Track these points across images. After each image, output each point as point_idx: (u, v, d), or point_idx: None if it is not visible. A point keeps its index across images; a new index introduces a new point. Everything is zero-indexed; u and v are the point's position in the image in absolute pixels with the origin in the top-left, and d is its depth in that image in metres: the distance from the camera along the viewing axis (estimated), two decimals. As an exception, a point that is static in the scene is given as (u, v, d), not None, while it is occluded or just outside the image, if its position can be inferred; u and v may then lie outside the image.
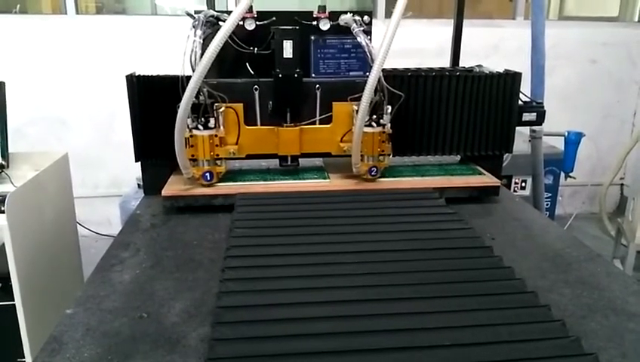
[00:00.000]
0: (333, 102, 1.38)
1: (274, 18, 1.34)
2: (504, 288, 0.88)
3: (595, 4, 4.18)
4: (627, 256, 2.69)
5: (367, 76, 1.19)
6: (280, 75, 1.31)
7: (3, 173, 1.83)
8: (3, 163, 1.85)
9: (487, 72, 1.48)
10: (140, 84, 1.36)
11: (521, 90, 1.48)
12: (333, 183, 1.39)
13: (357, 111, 1.26)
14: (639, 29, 3.73)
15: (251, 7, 1.31)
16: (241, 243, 1.05)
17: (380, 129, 1.33)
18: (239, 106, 1.35)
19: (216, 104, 1.30)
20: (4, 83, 1.85)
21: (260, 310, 0.81)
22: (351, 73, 1.42)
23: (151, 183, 1.44)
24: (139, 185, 2.41)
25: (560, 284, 0.98)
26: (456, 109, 1.46)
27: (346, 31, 1.34)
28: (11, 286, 1.63)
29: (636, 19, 3.90)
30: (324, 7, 1.34)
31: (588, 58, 3.65)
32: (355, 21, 1.31)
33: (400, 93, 1.32)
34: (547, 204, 2.89)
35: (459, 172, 1.48)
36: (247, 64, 1.36)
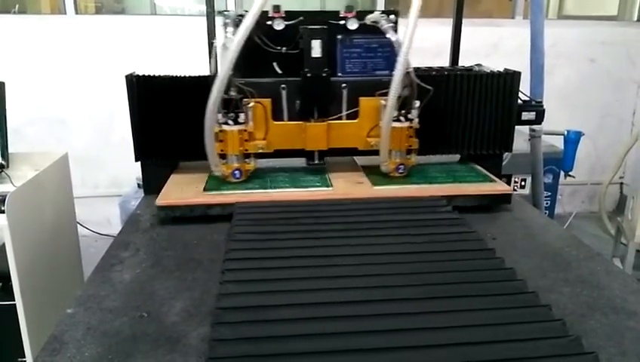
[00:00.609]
0: (360, 98, 1.38)
1: (302, 18, 1.34)
2: (506, 289, 0.88)
3: (594, 4, 4.19)
4: (627, 255, 2.69)
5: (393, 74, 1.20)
6: (308, 75, 1.32)
7: (3, 173, 1.83)
8: (3, 163, 1.85)
9: (487, 71, 1.48)
10: (139, 84, 1.36)
11: (521, 89, 1.48)
12: (337, 191, 1.34)
13: (385, 106, 1.27)
14: (638, 29, 3.73)
15: (279, 7, 1.33)
16: (241, 246, 1.05)
17: (408, 124, 1.34)
18: (267, 101, 1.35)
19: (244, 99, 1.30)
20: (3, 83, 1.85)
21: (260, 311, 0.81)
22: (377, 72, 1.41)
23: (151, 183, 1.44)
24: (139, 184, 2.41)
25: (560, 283, 0.98)
26: (456, 108, 1.46)
27: (372, 30, 1.34)
28: (12, 285, 1.64)
29: (635, 18, 3.90)
30: (352, 6, 1.35)
31: (587, 57, 3.65)
32: (383, 18, 1.31)
33: (429, 87, 1.32)
34: (547, 203, 2.89)
35: (468, 179, 1.43)
36: (274, 63, 1.36)
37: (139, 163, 1.44)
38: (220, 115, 1.27)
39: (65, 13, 3.19)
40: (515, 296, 0.86)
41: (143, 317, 0.86)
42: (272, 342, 0.73)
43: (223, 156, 1.33)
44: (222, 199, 1.28)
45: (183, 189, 1.33)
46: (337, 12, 1.37)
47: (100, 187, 3.40)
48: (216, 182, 1.36)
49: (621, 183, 3.95)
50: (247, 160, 1.36)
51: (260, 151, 1.36)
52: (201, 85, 1.38)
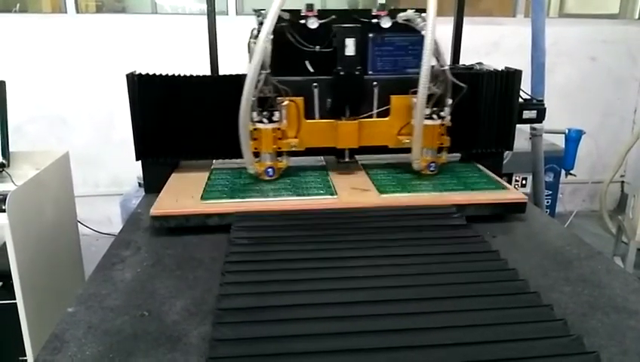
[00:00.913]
0: (392, 96, 1.39)
1: (334, 16, 1.34)
2: (507, 289, 0.88)
3: (596, 2, 4.18)
4: (628, 254, 2.69)
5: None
6: (342, 73, 1.32)
7: (4, 172, 1.83)
8: (4, 162, 1.85)
9: (488, 70, 1.48)
10: (140, 83, 1.36)
11: (522, 87, 1.48)
12: (341, 200, 1.27)
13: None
14: (639, 27, 3.72)
15: (312, 5, 1.33)
16: (241, 249, 1.05)
17: (440, 122, 1.35)
18: (300, 100, 1.36)
19: (279, 98, 1.31)
20: (4, 82, 1.85)
21: (261, 311, 0.81)
22: (407, 70, 1.42)
23: (151, 182, 1.43)
24: (139, 183, 2.41)
25: (561, 282, 0.98)
26: (457, 107, 1.45)
27: (402, 28, 1.34)
28: (12, 284, 1.64)
29: (636, 16, 3.89)
30: (384, 4, 1.36)
31: (588, 55, 3.64)
32: (417, 16, 1.31)
33: (463, 85, 1.33)
34: (547, 202, 2.89)
35: (479, 186, 1.36)
36: (306, 62, 1.37)
37: (139, 162, 1.44)
38: (254, 114, 1.28)
39: (66, 12, 3.19)
40: (516, 296, 0.86)
41: (144, 315, 0.86)
42: (273, 342, 0.73)
43: (256, 154, 1.33)
44: (220, 208, 1.21)
45: (179, 197, 1.27)
46: (369, 10, 1.37)
47: (101, 186, 3.40)
48: (215, 190, 1.32)
49: (622, 182, 3.95)
50: (279, 158, 1.37)
51: (293, 149, 1.37)
52: (202, 84, 1.38)
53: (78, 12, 3.22)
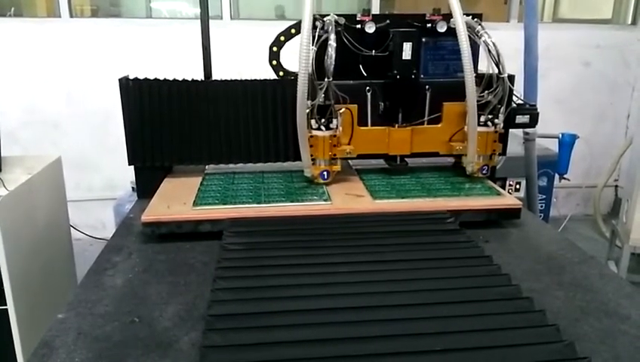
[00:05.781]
0: (444, 103, 1.40)
1: (388, 21, 1.35)
2: (500, 294, 0.88)
3: (589, 7, 4.20)
4: (621, 258, 2.70)
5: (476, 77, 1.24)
6: (398, 77, 1.33)
7: (-4, 177, 1.82)
8: (-4, 166, 1.84)
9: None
10: (133, 88, 1.35)
11: (515, 92, 1.48)
12: (336, 206, 1.26)
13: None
14: (632, 32, 3.75)
15: (369, 10, 1.35)
16: (233, 255, 1.05)
17: (493, 129, 1.36)
18: (354, 107, 1.37)
19: (336, 105, 1.31)
20: (-4, 86, 1.84)
21: (251, 318, 0.81)
22: (458, 74, 1.40)
23: (144, 186, 1.43)
24: (133, 188, 2.40)
25: (554, 287, 0.98)
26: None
27: (454, 33, 1.33)
28: (4, 290, 1.62)
29: (629, 21, 3.92)
30: (439, 9, 1.36)
31: (582, 60, 3.66)
32: (474, 21, 1.31)
33: (516, 93, 1.35)
34: (541, 206, 2.89)
35: (474, 191, 1.35)
36: (360, 66, 1.37)
37: (133, 166, 1.44)
38: (312, 121, 1.30)
39: (60, 17, 3.18)
40: (509, 302, 0.85)
41: (134, 322, 0.85)
42: (263, 349, 0.73)
43: (312, 159, 1.35)
44: (212, 215, 1.20)
45: (171, 203, 1.26)
46: (423, 15, 1.38)
47: (95, 190, 3.39)
48: (207, 196, 1.30)
49: (616, 186, 3.96)
50: (333, 161, 1.38)
51: (348, 156, 1.38)
52: (195, 89, 1.37)
53: (72, 16, 3.22)
